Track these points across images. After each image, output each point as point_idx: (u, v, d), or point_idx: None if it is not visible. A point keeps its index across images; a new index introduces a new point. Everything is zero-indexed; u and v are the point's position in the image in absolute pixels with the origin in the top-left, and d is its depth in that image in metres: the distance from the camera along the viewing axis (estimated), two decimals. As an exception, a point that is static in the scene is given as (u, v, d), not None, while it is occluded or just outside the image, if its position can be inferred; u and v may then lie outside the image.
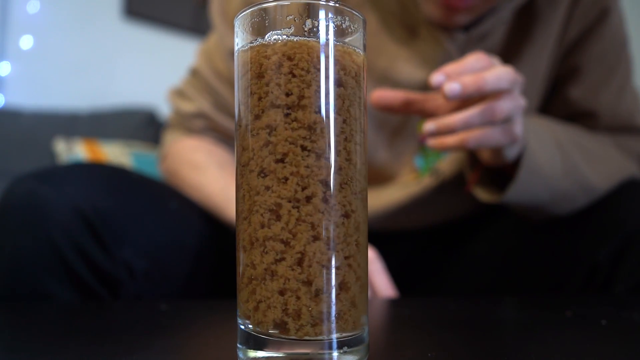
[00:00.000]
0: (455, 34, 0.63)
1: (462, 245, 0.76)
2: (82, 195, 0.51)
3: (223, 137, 0.72)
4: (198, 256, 0.62)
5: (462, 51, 0.64)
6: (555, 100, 0.71)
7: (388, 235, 0.72)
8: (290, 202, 0.27)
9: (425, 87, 0.65)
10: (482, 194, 0.61)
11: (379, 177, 0.70)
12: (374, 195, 0.69)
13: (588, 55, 0.67)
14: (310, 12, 0.28)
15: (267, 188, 0.28)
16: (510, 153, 0.55)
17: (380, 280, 0.57)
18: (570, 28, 0.67)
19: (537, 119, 0.61)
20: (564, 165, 0.58)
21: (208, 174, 0.67)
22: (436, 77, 0.48)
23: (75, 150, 1.45)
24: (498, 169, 0.62)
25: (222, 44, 0.69)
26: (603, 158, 0.62)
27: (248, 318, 0.29)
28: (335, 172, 0.28)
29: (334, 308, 0.28)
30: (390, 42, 0.65)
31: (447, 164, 0.69)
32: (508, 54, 0.66)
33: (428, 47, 0.64)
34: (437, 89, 0.48)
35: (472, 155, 0.63)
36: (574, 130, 0.64)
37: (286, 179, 0.27)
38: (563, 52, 0.68)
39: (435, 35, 0.63)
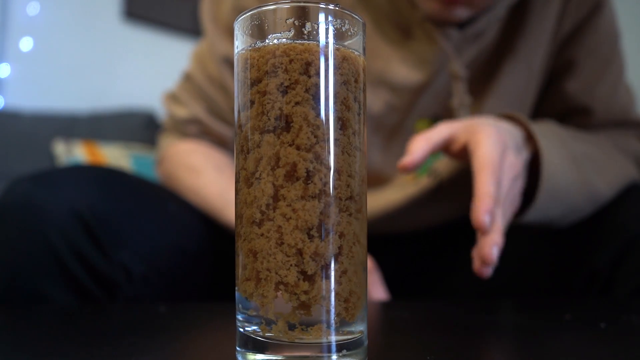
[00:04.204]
0: (450, 33, 0.62)
1: (461, 248, 0.76)
2: (79, 198, 0.51)
3: (217, 142, 0.72)
4: (196, 259, 0.62)
5: (458, 50, 0.63)
6: (550, 96, 0.70)
7: (386, 238, 0.72)
8: (289, 205, 0.27)
9: (421, 87, 0.65)
10: None
11: (375, 179, 0.70)
12: (372, 198, 0.69)
13: (583, 49, 0.67)
14: (310, 15, 0.28)
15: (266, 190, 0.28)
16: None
17: (377, 293, 0.57)
18: (564, 22, 0.66)
19: (548, 128, 0.59)
20: (578, 181, 0.56)
21: (205, 176, 0.66)
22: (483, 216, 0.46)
23: (74, 152, 1.45)
24: None
25: (213, 50, 0.68)
26: (609, 165, 0.61)
27: (247, 321, 0.29)
28: (334, 174, 0.28)
29: (333, 311, 0.27)
30: (383, 43, 0.64)
31: (444, 165, 0.69)
32: (503, 51, 0.66)
33: (423, 47, 0.63)
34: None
35: None
36: (582, 136, 0.62)
37: (285, 181, 0.27)
38: (558, 46, 0.68)
39: (429, 34, 0.62)
